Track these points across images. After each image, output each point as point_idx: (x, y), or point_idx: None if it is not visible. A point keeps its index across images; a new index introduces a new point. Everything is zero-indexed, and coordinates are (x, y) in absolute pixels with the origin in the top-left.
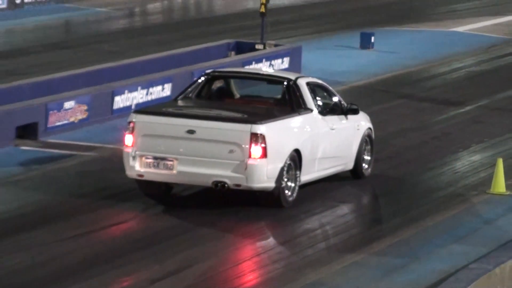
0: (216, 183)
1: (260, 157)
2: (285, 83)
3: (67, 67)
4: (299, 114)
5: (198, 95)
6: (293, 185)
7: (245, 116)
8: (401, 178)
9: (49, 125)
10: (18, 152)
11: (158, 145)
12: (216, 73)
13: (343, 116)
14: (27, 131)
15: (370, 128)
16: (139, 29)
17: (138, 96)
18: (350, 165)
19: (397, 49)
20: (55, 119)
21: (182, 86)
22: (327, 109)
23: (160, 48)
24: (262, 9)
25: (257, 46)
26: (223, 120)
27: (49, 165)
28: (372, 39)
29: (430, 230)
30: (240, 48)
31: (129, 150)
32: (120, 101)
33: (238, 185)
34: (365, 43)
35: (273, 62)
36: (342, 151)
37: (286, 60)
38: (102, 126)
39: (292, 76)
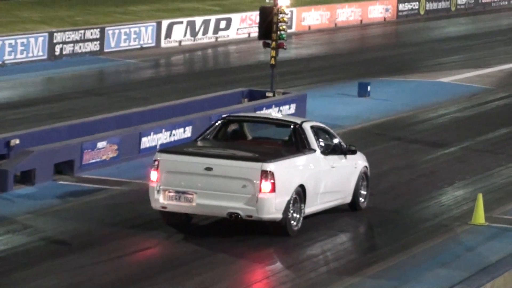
0: (230, 214)
1: (269, 192)
2: (292, 126)
3: (100, 112)
4: (304, 153)
5: (215, 137)
6: (298, 216)
7: (256, 155)
8: (393, 210)
9: (84, 162)
10: (56, 186)
11: (179, 181)
12: (231, 118)
13: (342, 156)
14: (65, 168)
15: (366, 167)
16: (164, 78)
17: (163, 137)
18: (348, 199)
19: (390, 97)
20: (89, 157)
21: (201, 129)
22: (329, 150)
23: (182, 95)
24: (272, 62)
25: (267, 94)
26: (237, 159)
27: (84, 198)
28: (369, 88)
29: (419, 256)
30: (253, 95)
31: (154, 184)
32: (146, 142)
33: (250, 216)
34: (362, 92)
35: (281, 108)
36: (342, 186)
37: (293, 106)
38: (130, 164)
39: (298, 120)
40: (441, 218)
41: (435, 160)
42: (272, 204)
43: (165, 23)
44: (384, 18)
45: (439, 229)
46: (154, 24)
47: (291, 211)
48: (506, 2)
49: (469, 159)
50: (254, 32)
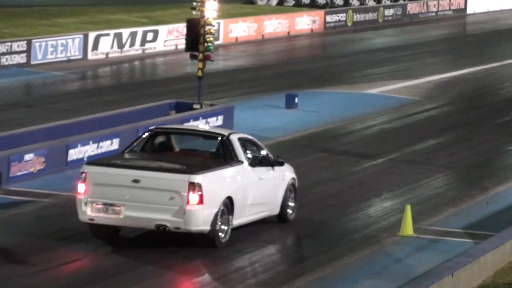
0: (158, 226)
1: (197, 204)
2: (219, 138)
3: (27, 124)
4: (232, 165)
5: (143, 149)
6: (226, 228)
7: (184, 167)
8: (321, 221)
9: (11, 175)
10: None
11: (107, 193)
12: (159, 129)
13: (270, 168)
14: None
15: (294, 178)
16: (91, 90)
17: (90, 150)
18: (276, 210)
19: (318, 109)
20: (16, 170)
21: (128, 141)
22: (256, 161)
23: (109, 107)
24: (199, 73)
25: (194, 106)
26: (165, 170)
27: (11, 210)
28: (296, 99)
29: (347, 268)
30: (180, 107)
31: (81, 197)
32: (74, 154)
33: (178, 228)
34: (290, 103)
35: (208, 119)
36: (269, 198)
37: (220, 118)
38: (58, 176)
39: (225, 132)
40: (369, 230)
41: (363, 172)
42: (200, 216)
43: (92, 35)
44: (312, 30)
45: (367, 240)
46: (81, 36)
47: (219, 223)
48: (434, 14)
49: (397, 170)
50: (181, 44)
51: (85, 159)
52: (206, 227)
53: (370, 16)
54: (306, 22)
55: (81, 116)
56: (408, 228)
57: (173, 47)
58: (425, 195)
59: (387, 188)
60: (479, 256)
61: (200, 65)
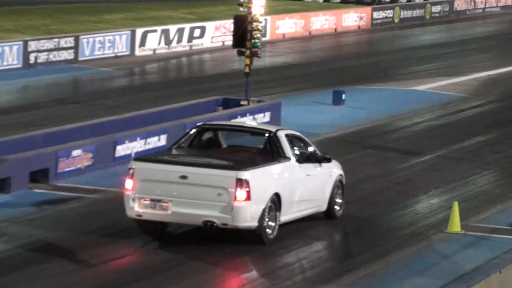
0: (205, 222)
1: (244, 200)
2: (267, 134)
3: (75, 120)
4: (279, 162)
5: (190, 145)
6: (273, 224)
7: (231, 163)
8: (368, 218)
9: (59, 171)
10: (31, 194)
11: (154, 189)
12: (206, 126)
13: (317, 164)
14: (40, 176)
15: (341, 175)
16: (138, 87)
17: (137, 146)
18: (323, 207)
19: (365, 105)
20: (64, 165)
21: (176, 137)
22: (304, 158)
23: (156, 104)
24: (247, 70)
25: (242, 102)
26: (212, 167)
27: (59, 206)
28: (343, 96)
29: (394, 265)
30: (227, 103)
31: (129, 193)
32: (121, 150)
33: (225, 224)
34: (337, 100)
35: (256, 116)
36: (317, 194)
37: (268, 114)
38: (105, 172)
39: (272, 128)
40: (416, 226)
41: (410, 168)
42: (247, 212)
43: (139, 31)
44: (359, 26)
45: (414, 237)
46: (129, 32)
47: (267, 219)
48: (481, 10)
49: (444, 167)
50: (229, 40)
51: (132, 155)
52: (254, 223)
53: (417, 12)
54: (353, 18)
55: (128, 112)
56: (455, 225)
57: (220, 44)
58: (472, 192)
59: (434, 185)
60: None
61: (247, 61)
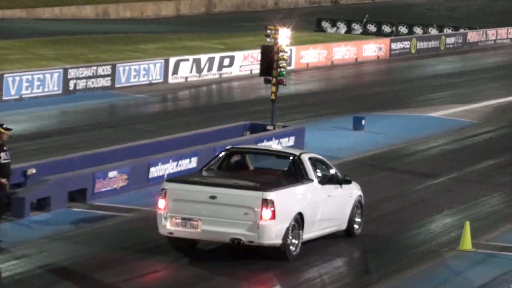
0: (233, 240)
1: (270, 219)
2: (291, 158)
3: (112, 143)
4: (302, 183)
5: (219, 167)
6: (296, 242)
7: (258, 184)
8: (386, 236)
9: (96, 191)
10: (70, 213)
11: (185, 208)
12: (234, 149)
13: (338, 185)
14: (78, 196)
15: (360, 195)
16: (171, 112)
17: (170, 167)
18: (344, 226)
19: (383, 131)
20: (101, 186)
21: (206, 159)
22: (325, 180)
23: (188, 128)
24: (273, 97)
25: (268, 127)
26: (240, 188)
27: (96, 224)
28: (363, 122)
29: (409, 280)
30: (254, 128)
31: (161, 212)
32: (154, 171)
33: (251, 242)
34: (357, 125)
35: (281, 140)
36: (337, 214)
37: (292, 138)
38: (139, 192)
39: (296, 152)
40: (430, 244)
41: (425, 190)
42: (272, 231)
43: (172, 60)
44: (378, 56)
45: (428, 254)
46: (162, 61)
47: (290, 237)
48: (492, 42)
49: (457, 188)
50: (256, 69)
51: (165, 176)
52: (278, 241)
53: (432, 44)
54: (372, 49)
55: (161, 136)
56: (467, 243)
57: (248, 72)
58: (483, 212)
59: (447, 205)
60: None
61: (274, 89)
